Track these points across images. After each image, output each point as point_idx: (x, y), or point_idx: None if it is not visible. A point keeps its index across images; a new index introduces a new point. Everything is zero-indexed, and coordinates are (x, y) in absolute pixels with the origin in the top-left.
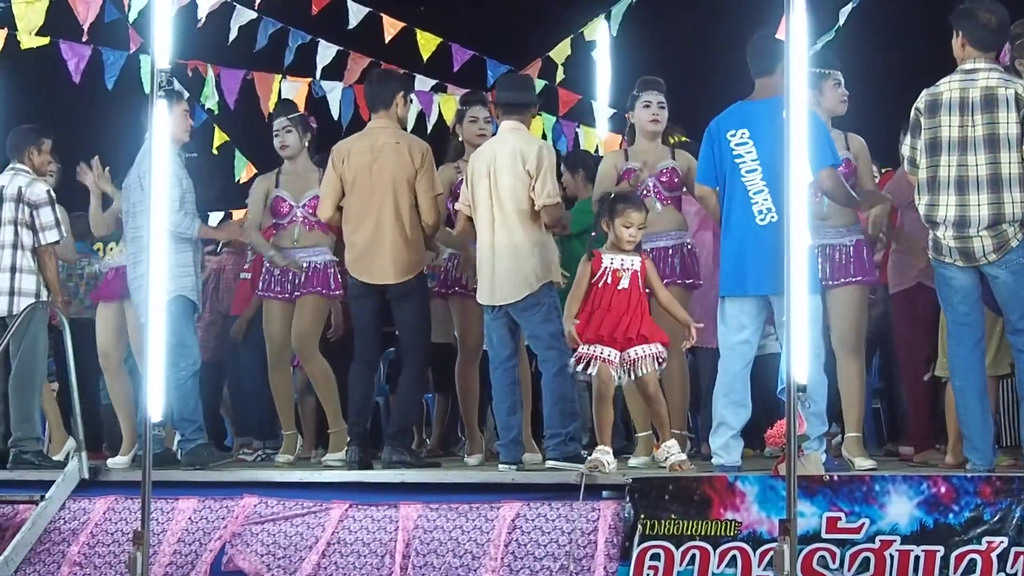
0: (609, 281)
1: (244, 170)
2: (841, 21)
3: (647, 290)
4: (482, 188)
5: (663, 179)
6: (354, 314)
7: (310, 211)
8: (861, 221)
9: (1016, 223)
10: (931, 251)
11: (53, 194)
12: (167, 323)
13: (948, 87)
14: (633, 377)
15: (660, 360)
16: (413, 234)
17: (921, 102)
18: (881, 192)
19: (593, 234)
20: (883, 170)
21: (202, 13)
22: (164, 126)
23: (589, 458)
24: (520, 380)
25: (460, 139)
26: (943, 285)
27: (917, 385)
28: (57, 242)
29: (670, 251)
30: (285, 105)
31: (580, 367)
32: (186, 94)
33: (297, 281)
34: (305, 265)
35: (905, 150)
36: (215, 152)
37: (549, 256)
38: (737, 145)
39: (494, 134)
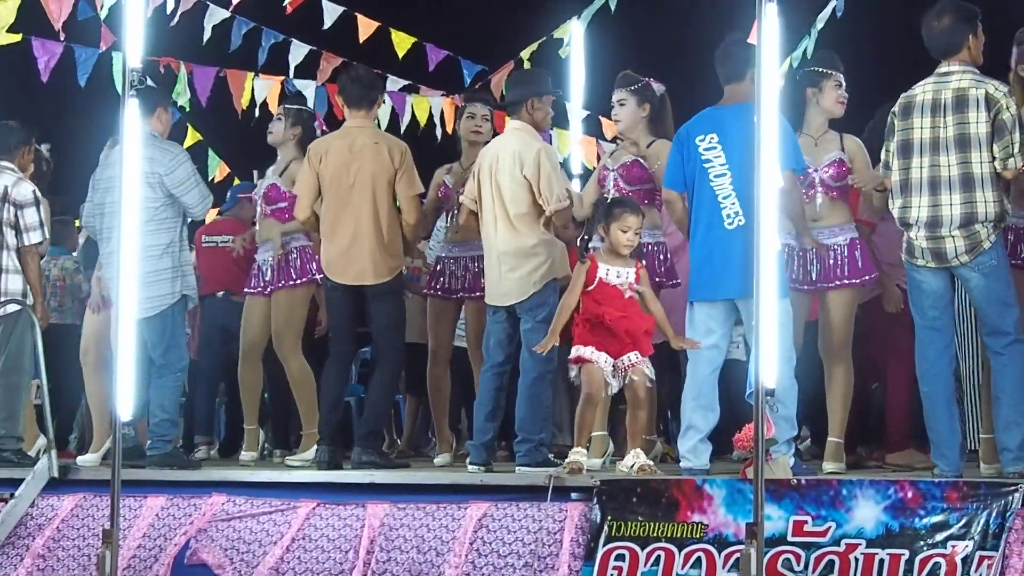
0: (602, 293)
1: (217, 169)
2: (819, 26)
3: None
4: (486, 188)
5: (624, 172)
6: (329, 314)
7: (264, 204)
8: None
9: (989, 223)
10: (904, 254)
11: (39, 194)
12: (172, 325)
13: (922, 90)
14: (625, 383)
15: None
16: (391, 235)
17: (897, 105)
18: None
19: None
20: None
21: (171, 10)
22: (135, 124)
23: (567, 460)
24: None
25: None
26: (914, 288)
27: (895, 387)
28: (41, 243)
29: (648, 248)
30: (294, 96)
31: (573, 372)
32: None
33: (272, 275)
34: (274, 259)
35: (882, 154)
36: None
37: (553, 255)
38: (706, 150)
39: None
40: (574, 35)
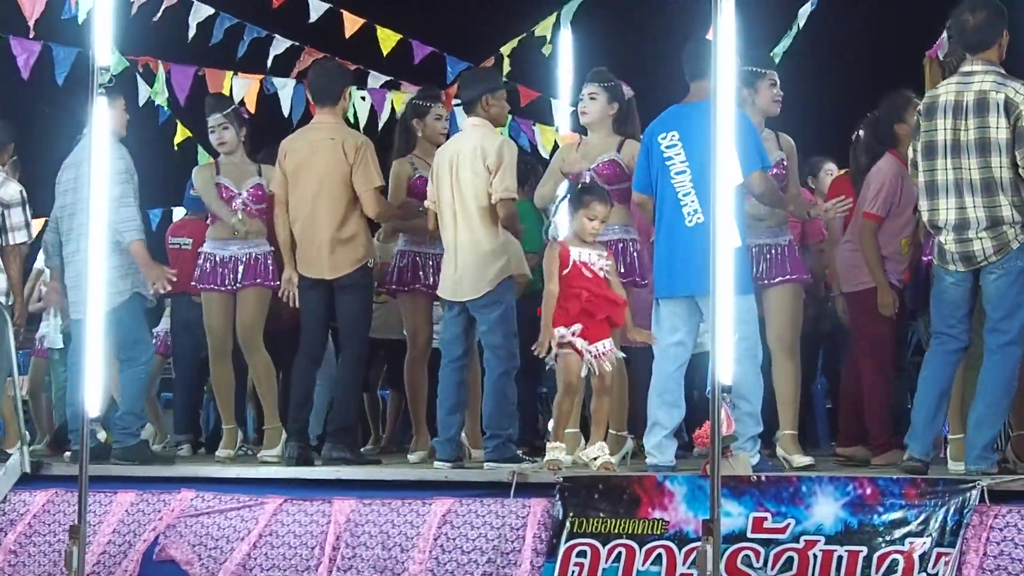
0: (577, 273)
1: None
2: (800, 23)
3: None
4: (444, 185)
5: (603, 172)
6: (300, 307)
7: (251, 198)
8: (791, 223)
9: (1016, 225)
10: (936, 259)
11: (25, 194)
12: (128, 321)
13: (946, 90)
14: (595, 371)
15: (616, 357)
16: (350, 229)
17: (922, 105)
18: (800, 196)
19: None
20: (842, 171)
21: (145, 8)
22: (103, 123)
23: (546, 459)
24: (467, 381)
25: (414, 133)
26: (938, 293)
27: (878, 385)
28: (25, 243)
29: (607, 246)
30: (219, 100)
31: (551, 357)
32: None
33: (236, 274)
34: (245, 257)
35: (909, 152)
36: (176, 148)
37: (512, 252)
38: (667, 148)
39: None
40: (561, 32)
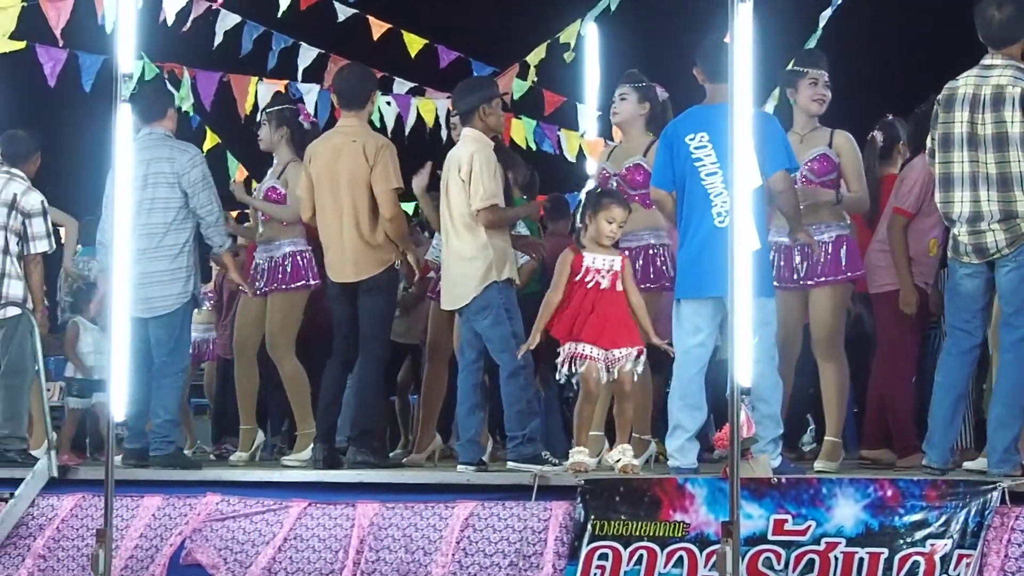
0: (591, 281)
1: (236, 172)
2: (821, 25)
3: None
4: (443, 196)
5: (628, 176)
6: (331, 312)
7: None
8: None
9: None
10: (950, 251)
11: (46, 204)
12: (179, 326)
13: (965, 82)
14: (614, 376)
15: (639, 362)
16: (373, 232)
17: (941, 95)
18: (859, 199)
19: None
20: None
21: (170, 15)
22: (127, 130)
23: (571, 461)
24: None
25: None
26: (953, 287)
27: (902, 388)
28: (46, 252)
29: (636, 252)
30: (274, 98)
31: (565, 368)
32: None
33: (267, 277)
34: (266, 262)
35: (928, 141)
36: (205, 154)
37: (496, 257)
38: (696, 149)
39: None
40: (587, 37)
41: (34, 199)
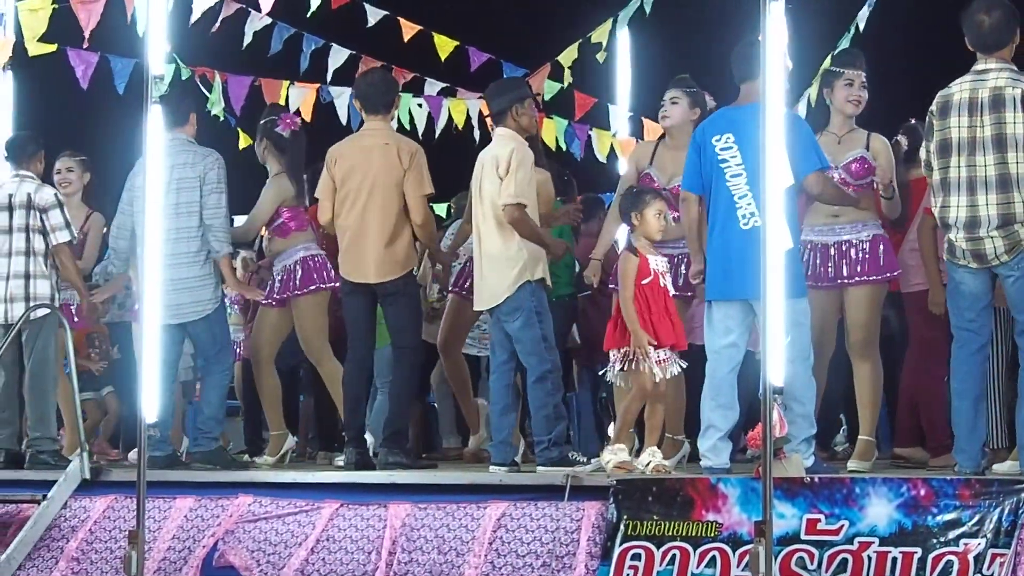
0: (660, 283)
1: None
2: (860, 25)
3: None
4: (475, 195)
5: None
6: (344, 312)
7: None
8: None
9: None
10: (946, 253)
11: (61, 197)
12: (218, 327)
13: (959, 88)
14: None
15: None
16: (399, 235)
17: (935, 104)
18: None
19: None
20: None
21: (196, 13)
22: (158, 132)
23: (611, 460)
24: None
25: None
26: (953, 288)
27: (934, 387)
28: (69, 242)
29: (680, 258)
30: (268, 110)
31: (620, 367)
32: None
33: (279, 286)
34: (280, 271)
35: (922, 153)
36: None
37: (528, 258)
38: (722, 150)
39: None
40: (619, 38)
41: (47, 193)
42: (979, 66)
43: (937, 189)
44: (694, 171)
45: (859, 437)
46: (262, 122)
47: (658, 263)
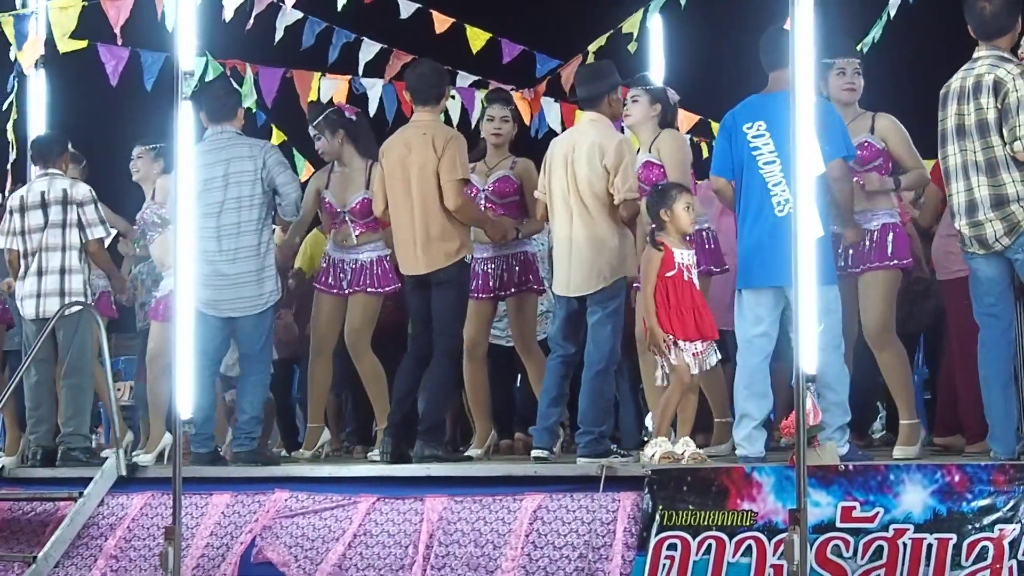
0: (684, 276)
1: (304, 169)
2: (891, 12)
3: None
4: (558, 178)
5: (642, 174)
6: (408, 307)
7: (357, 214)
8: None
9: (1023, 203)
10: (959, 242)
11: (94, 193)
12: (265, 326)
13: (956, 77)
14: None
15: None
16: (443, 224)
17: (940, 95)
18: (917, 177)
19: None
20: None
21: (229, 12)
22: (189, 128)
23: (655, 452)
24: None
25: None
26: (971, 277)
27: (971, 375)
28: (102, 239)
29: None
30: (311, 110)
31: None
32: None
33: (349, 278)
34: (354, 263)
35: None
36: None
37: (626, 250)
38: (754, 137)
39: (544, 132)
40: (651, 28)
41: (83, 189)
42: (976, 54)
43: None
44: (725, 157)
45: (901, 423)
46: (322, 117)
47: (684, 256)
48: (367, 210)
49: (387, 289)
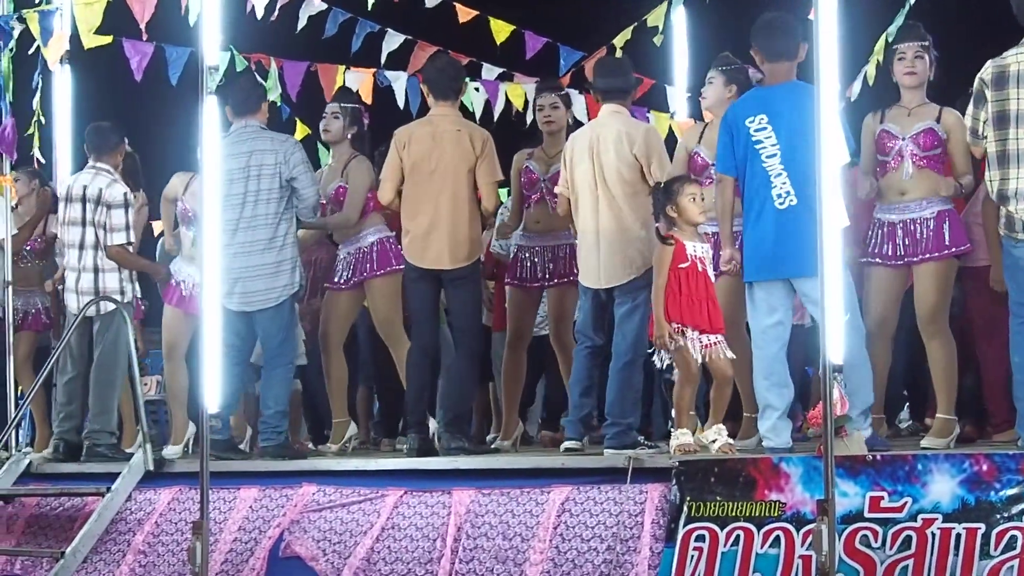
0: (699, 268)
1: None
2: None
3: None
4: (583, 171)
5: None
6: (408, 298)
7: (330, 201)
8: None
9: None
10: (1003, 228)
11: (130, 197)
12: (287, 317)
13: (1015, 59)
14: (707, 360)
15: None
16: (469, 221)
17: (987, 73)
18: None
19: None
20: None
21: (260, 9)
22: (214, 122)
23: (678, 443)
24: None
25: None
26: (1011, 262)
27: (995, 364)
28: (122, 246)
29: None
30: (345, 92)
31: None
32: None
33: (352, 269)
34: (346, 255)
35: (968, 120)
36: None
37: (653, 240)
38: (756, 131)
39: (576, 121)
40: (676, 19)
41: (117, 191)
42: None
43: (993, 161)
44: (727, 153)
45: (937, 415)
46: (353, 107)
47: (697, 249)
48: (340, 198)
49: (391, 269)
